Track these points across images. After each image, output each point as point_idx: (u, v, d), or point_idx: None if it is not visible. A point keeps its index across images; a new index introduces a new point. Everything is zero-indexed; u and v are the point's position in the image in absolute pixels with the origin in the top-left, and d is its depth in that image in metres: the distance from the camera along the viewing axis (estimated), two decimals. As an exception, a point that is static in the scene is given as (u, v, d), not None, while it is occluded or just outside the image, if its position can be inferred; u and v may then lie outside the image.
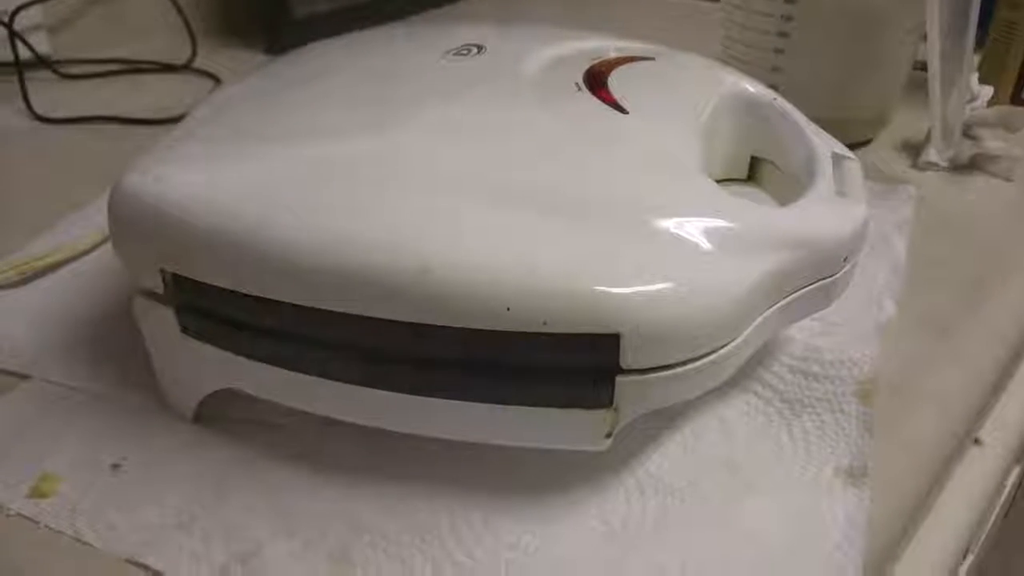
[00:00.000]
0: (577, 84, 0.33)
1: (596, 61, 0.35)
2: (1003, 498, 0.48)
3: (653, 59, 0.37)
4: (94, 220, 0.44)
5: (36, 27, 0.64)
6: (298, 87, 0.33)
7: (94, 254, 0.43)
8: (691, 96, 0.35)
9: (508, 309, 0.25)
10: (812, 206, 0.30)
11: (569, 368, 0.26)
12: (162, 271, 0.28)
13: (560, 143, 0.29)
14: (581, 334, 0.25)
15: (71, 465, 0.31)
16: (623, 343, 0.25)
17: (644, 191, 0.28)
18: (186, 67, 0.68)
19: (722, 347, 0.27)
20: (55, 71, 0.65)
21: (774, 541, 0.29)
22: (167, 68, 0.67)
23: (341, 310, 0.26)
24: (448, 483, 0.30)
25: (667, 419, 0.33)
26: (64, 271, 0.41)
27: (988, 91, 0.56)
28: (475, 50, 0.35)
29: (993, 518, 0.47)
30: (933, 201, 0.51)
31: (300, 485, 0.30)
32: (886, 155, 0.57)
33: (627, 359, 0.25)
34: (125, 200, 0.28)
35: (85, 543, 0.28)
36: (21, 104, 0.59)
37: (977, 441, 0.42)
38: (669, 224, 0.27)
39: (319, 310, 0.26)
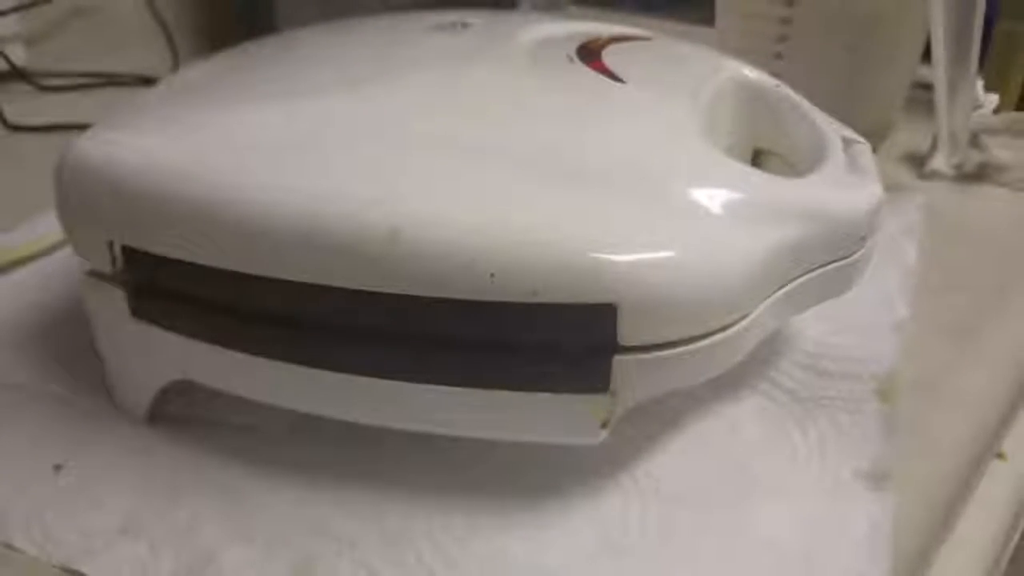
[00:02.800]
0: (569, 56, 0.30)
1: (589, 39, 0.33)
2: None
3: (649, 39, 0.35)
4: (51, 223, 0.42)
5: (13, 37, 0.62)
6: (268, 59, 0.31)
7: (56, 255, 0.40)
8: (692, 74, 0.32)
9: (492, 276, 0.22)
10: (824, 180, 0.28)
11: (561, 346, 0.23)
12: (111, 246, 0.26)
13: (551, 106, 0.27)
14: (574, 305, 0.22)
15: (7, 465, 0.27)
16: (620, 315, 0.22)
17: (644, 154, 0.25)
18: (167, 82, 0.66)
19: (731, 325, 0.24)
20: (31, 82, 0.63)
21: (790, 550, 0.26)
22: (147, 82, 0.65)
23: (304, 280, 0.23)
24: (425, 486, 0.27)
25: (670, 421, 0.30)
26: (23, 270, 0.39)
27: (994, 99, 0.55)
28: (460, 26, 0.33)
29: (1017, 538, 0.44)
30: (942, 209, 0.49)
31: (260, 489, 0.27)
32: (891, 165, 0.55)
33: (625, 334, 0.23)
34: (72, 166, 0.26)
35: (17, 550, 0.25)
36: (-7, 114, 0.57)
37: (1001, 456, 0.40)
38: (672, 188, 0.24)
39: (280, 281, 0.23)
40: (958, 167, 0.52)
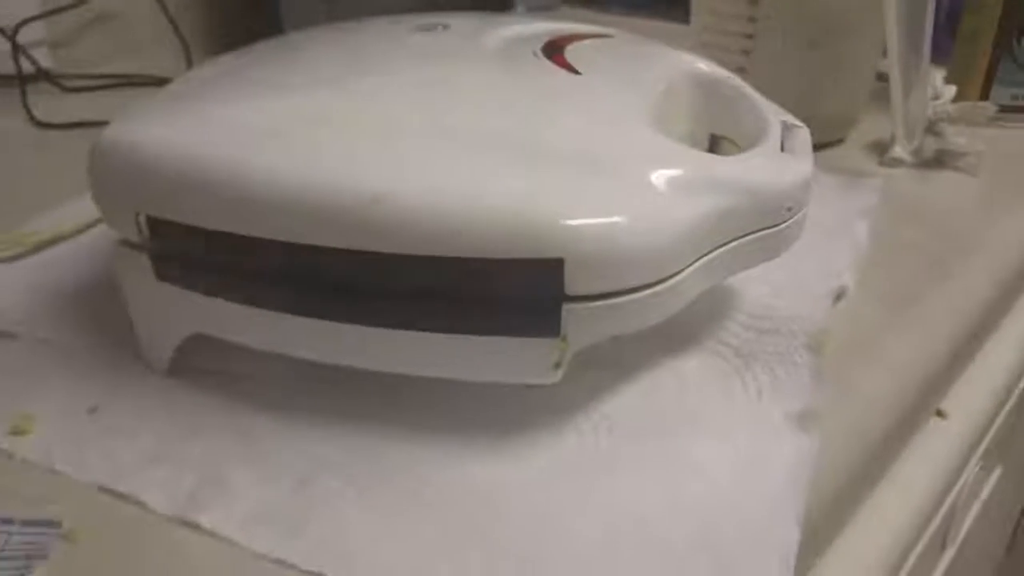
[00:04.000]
0: (535, 52, 0.35)
1: (555, 37, 0.37)
2: (970, 473, 0.49)
3: (612, 37, 0.39)
4: (84, 208, 0.46)
5: (39, 42, 0.67)
6: (269, 57, 0.35)
7: (84, 237, 0.45)
8: (646, 68, 0.36)
9: (456, 235, 0.26)
10: (755, 158, 0.32)
11: (517, 296, 0.27)
12: (137, 217, 0.30)
13: (512, 94, 0.31)
14: (527, 260, 0.26)
15: (49, 408, 0.32)
16: (567, 269, 0.27)
17: (590, 135, 0.29)
18: (182, 82, 0.70)
19: (664, 280, 0.28)
20: (56, 84, 0.67)
21: (722, 477, 0.30)
22: (163, 82, 0.69)
23: (301, 241, 0.27)
24: (407, 423, 0.31)
25: (624, 370, 0.34)
26: (54, 249, 0.43)
27: (951, 90, 0.58)
28: (440, 28, 0.37)
29: (956, 492, 0.48)
30: (899, 193, 0.53)
31: (266, 426, 0.31)
32: (856, 153, 0.59)
33: (572, 286, 0.27)
34: (104, 151, 0.30)
35: (59, 473, 0.29)
36: (22, 112, 0.61)
37: (940, 413, 0.43)
38: (614, 163, 0.29)
39: (281, 243, 0.27)
40: (916, 154, 0.56)
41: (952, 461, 0.44)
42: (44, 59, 0.68)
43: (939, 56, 0.56)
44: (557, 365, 0.28)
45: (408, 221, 0.26)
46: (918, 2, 0.51)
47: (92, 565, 0.26)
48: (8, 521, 0.27)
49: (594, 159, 0.28)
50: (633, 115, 0.31)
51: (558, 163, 0.28)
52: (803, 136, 0.36)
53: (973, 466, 0.49)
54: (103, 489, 0.29)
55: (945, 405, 0.44)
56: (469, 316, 0.28)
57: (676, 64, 0.38)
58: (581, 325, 0.28)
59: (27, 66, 0.65)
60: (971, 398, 0.46)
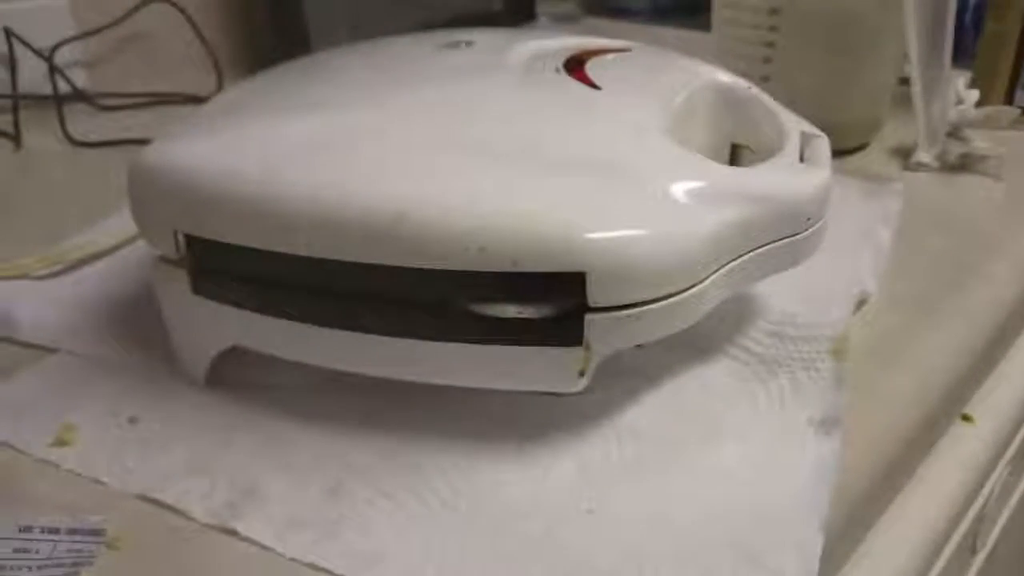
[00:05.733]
0: (556, 68, 0.35)
1: (576, 52, 0.38)
2: (998, 478, 0.49)
3: (631, 51, 0.39)
4: (120, 224, 0.47)
5: (75, 62, 0.69)
6: (300, 77, 0.36)
7: (121, 252, 0.46)
8: (665, 80, 0.37)
9: (481, 250, 0.27)
10: (774, 168, 0.32)
11: (541, 307, 0.28)
12: (175, 235, 0.31)
13: (535, 110, 0.32)
14: (550, 273, 0.27)
15: (91, 419, 0.33)
16: (589, 281, 0.27)
17: (610, 148, 0.30)
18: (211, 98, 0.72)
19: (685, 290, 0.29)
20: (91, 103, 0.69)
21: (746, 480, 0.30)
22: (195, 100, 0.71)
23: (331, 256, 0.28)
24: (435, 430, 0.32)
25: (648, 378, 0.35)
26: (92, 266, 0.45)
27: (975, 94, 0.58)
28: (464, 45, 0.38)
29: (985, 497, 0.48)
30: (923, 198, 0.53)
31: (298, 435, 0.32)
32: (879, 158, 0.59)
33: (594, 297, 0.28)
34: (142, 170, 0.31)
35: (103, 483, 0.30)
36: (58, 130, 0.63)
37: (966, 418, 0.43)
38: (634, 177, 0.29)
39: (310, 259, 0.28)
40: (940, 158, 0.56)
41: (979, 465, 0.44)
42: (79, 79, 0.70)
43: (963, 59, 0.56)
44: (581, 374, 0.29)
45: (432, 238, 0.27)
46: (939, 7, 0.51)
47: (136, 571, 0.27)
48: (55, 531, 0.28)
49: (615, 172, 0.29)
50: (653, 127, 0.32)
51: (579, 177, 0.29)
52: (822, 145, 0.36)
53: (1001, 470, 0.49)
54: (144, 498, 0.30)
55: (970, 410, 0.44)
56: (494, 327, 0.28)
57: (695, 75, 0.39)
58: (604, 335, 0.29)
59: (63, 86, 0.67)
60: (997, 402, 0.46)
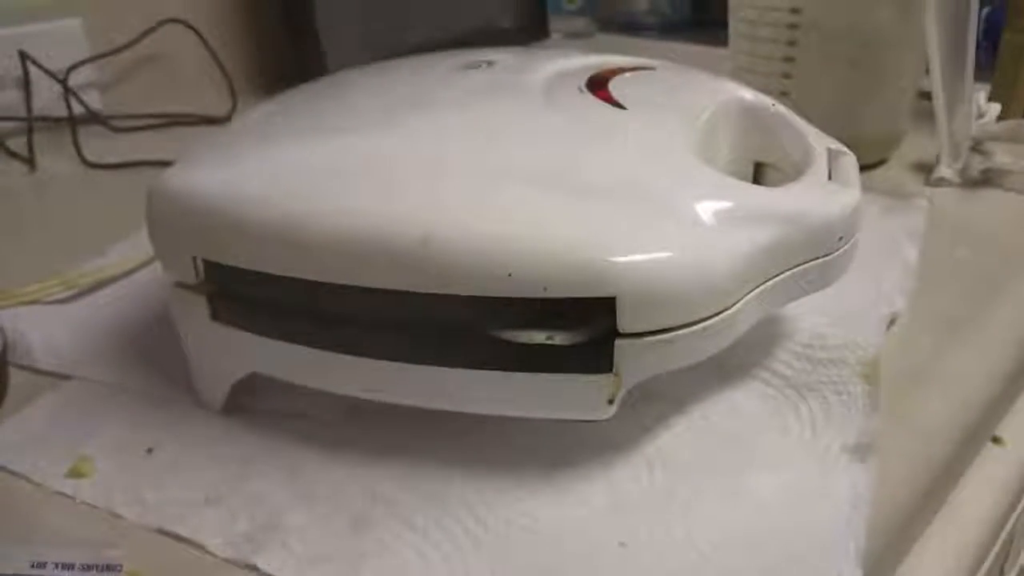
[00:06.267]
0: (579, 88, 0.35)
1: (598, 71, 0.37)
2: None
3: (654, 69, 0.39)
4: (135, 247, 0.47)
5: (89, 84, 0.69)
6: (319, 100, 0.36)
7: (136, 276, 0.45)
8: (689, 99, 0.36)
9: (509, 275, 0.26)
10: (803, 188, 0.32)
11: (571, 333, 0.27)
12: (194, 260, 0.30)
13: (560, 131, 0.31)
14: (579, 298, 0.26)
15: (107, 450, 0.32)
16: (620, 306, 0.27)
17: (637, 170, 0.29)
18: (226, 120, 0.72)
19: (717, 314, 0.28)
20: (106, 125, 0.69)
21: (779, 510, 0.29)
22: (209, 121, 0.71)
23: (355, 283, 0.27)
24: (461, 459, 0.31)
25: (676, 403, 0.34)
26: (106, 290, 0.44)
27: (996, 108, 0.58)
28: (485, 65, 0.37)
29: (1015, 519, 0.47)
30: (947, 213, 0.52)
31: (321, 465, 0.31)
32: (901, 173, 0.59)
33: (624, 323, 0.27)
34: (161, 196, 0.31)
35: (120, 516, 0.30)
36: (73, 153, 0.63)
37: (997, 440, 0.42)
38: (663, 199, 0.28)
39: (333, 285, 0.28)
40: (963, 173, 0.55)
41: (1011, 488, 0.43)
42: (94, 101, 0.69)
43: (978, 73, 0.55)
44: (611, 401, 0.28)
45: (459, 263, 0.26)
46: (960, 20, 0.51)
47: (154, 608, 0.26)
48: (69, 566, 0.27)
49: (643, 195, 0.28)
50: (679, 147, 0.31)
51: (607, 200, 0.28)
52: (850, 163, 0.36)
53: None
54: (161, 531, 0.29)
55: (1001, 430, 0.43)
56: (522, 354, 0.28)
57: (719, 93, 0.38)
58: (635, 361, 0.28)
59: (77, 108, 0.67)
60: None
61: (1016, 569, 0.54)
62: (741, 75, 0.58)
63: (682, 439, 0.32)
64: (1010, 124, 0.56)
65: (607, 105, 0.33)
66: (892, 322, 0.40)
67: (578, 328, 0.27)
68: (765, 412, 0.34)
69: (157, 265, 0.34)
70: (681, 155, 0.31)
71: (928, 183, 0.56)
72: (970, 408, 0.37)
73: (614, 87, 0.35)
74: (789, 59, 0.55)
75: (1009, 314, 0.43)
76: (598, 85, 0.35)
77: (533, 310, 0.27)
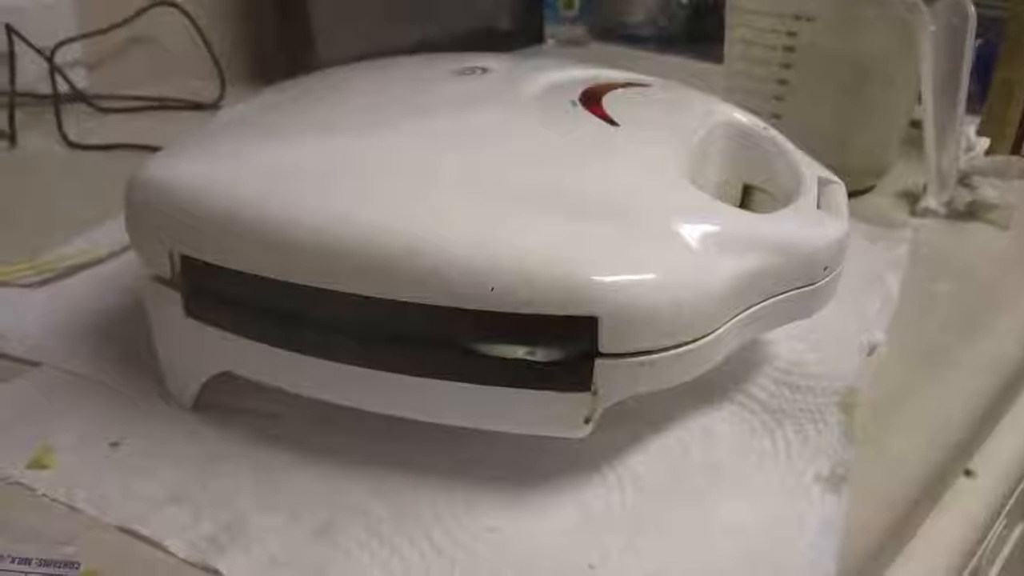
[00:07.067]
0: (572, 102, 0.34)
1: (592, 85, 0.37)
2: (994, 532, 0.48)
3: (649, 86, 0.39)
4: (113, 233, 0.46)
5: (76, 63, 0.68)
6: (309, 97, 0.35)
7: (113, 263, 0.45)
8: (682, 118, 0.36)
9: (492, 289, 0.26)
10: (792, 216, 0.32)
11: (550, 351, 0.27)
12: (171, 255, 0.30)
13: (550, 147, 0.31)
14: (561, 316, 0.26)
15: (71, 442, 0.32)
16: (601, 327, 0.26)
17: (628, 190, 0.29)
18: (214, 106, 0.71)
19: (699, 338, 0.28)
20: (91, 104, 0.68)
21: (750, 539, 0.29)
22: (197, 106, 0.70)
23: (335, 288, 0.27)
24: (432, 470, 0.31)
25: (652, 424, 0.34)
26: (81, 275, 0.43)
27: (984, 142, 0.58)
28: (480, 71, 0.37)
29: (982, 551, 0.47)
30: (930, 245, 0.52)
31: (290, 469, 0.31)
32: (886, 202, 0.59)
33: (605, 343, 0.27)
34: (140, 187, 0.30)
35: (79, 511, 0.29)
36: (55, 131, 0.62)
37: (968, 473, 0.43)
38: (650, 220, 0.28)
39: (312, 288, 0.27)
40: (948, 205, 0.56)
41: (980, 521, 0.43)
42: (80, 80, 0.68)
43: (967, 105, 0.55)
44: (588, 420, 0.28)
45: (441, 274, 0.26)
46: (955, 54, 0.51)
47: (110, 609, 0.26)
48: (25, 561, 0.26)
49: (631, 215, 0.28)
50: (670, 168, 0.31)
51: (595, 218, 0.28)
52: (839, 192, 0.36)
53: (999, 524, 0.48)
54: (122, 529, 0.28)
55: (974, 463, 0.43)
56: (501, 369, 0.27)
57: (713, 114, 0.38)
58: (613, 381, 0.27)
59: (63, 86, 0.66)
60: (1000, 456, 0.45)
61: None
62: (734, 94, 0.58)
63: (656, 461, 0.32)
64: (998, 159, 0.57)
65: (600, 121, 0.33)
66: (871, 352, 0.40)
67: (558, 346, 0.27)
68: (741, 437, 0.33)
69: (133, 253, 0.33)
70: (671, 176, 0.31)
71: (913, 213, 0.56)
72: (944, 441, 0.37)
73: (608, 103, 0.35)
74: (783, 82, 0.55)
75: (987, 349, 0.43)
76: (592, 100, 0.35)
77: (513, 325, 0.26)
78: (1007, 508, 0.50)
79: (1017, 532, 0.62)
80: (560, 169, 0.29)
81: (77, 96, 0.67)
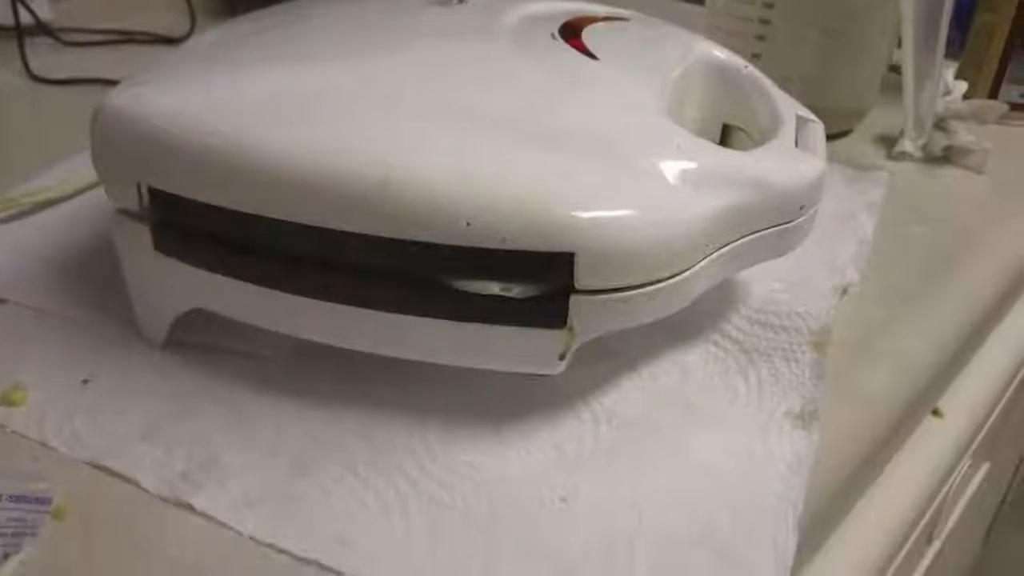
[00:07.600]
0: (552, 35, 0.34)
1: (572, 19, 0.36)
2: (960, 470, 0.49)
3: (628, 20, 0.38)
4: (81, 168, 0.45)
5: (39, -8, 0.65)
6: (279, 26, 0.34)
7: (80, 199, 0.44)
8: (662, 54, 0.36)
9: (468, 224, 0.25)
10: (770, 154, 0.31)
11: (526, 287, 0.27)
12: (139, 187, 0.29)
13: (529, 79, 0.30)
14: (538, 252, 0.26)
15: (42, 379, 0.31)
16: (577, 262, 0.26)
17: (607, 124, 0.29)
18: (183, 40, 0.69)
19: (675, 275, 0.28)
20: (55, 37, 0.66)
21: (722, 471, 0.30)
22: (165, 40, 0.68)
23: (305, 222, 0.27)
24: (408, 408, 0.31)
25: (626, 360, 0.34)
26: (49, 211, 0.42)
27: (963, 86, 0.58)
28: (456, 1, 0.36)
29: (947, 489, 0.48)
30: (906, 188, 0.52)
31: (264, 406, 0.31)
32: (864, 146, 0.59)
33: (581, 279, 0.26)
34: (107, 116, 0.29)
35: (51, 448, 0.29)
36: (19, 65, 0.60)
37: (936, 412, 0.43)
38: (628, 155, 0.28)
39: (284, 222, 0.27)
40: (925, 149, 0.56)
41: (946, 459, 0.44)
42: (43, 11, 0.66)
43: (947, 50, 0.55)
44: (562, 356, 0.28)
45: (416, 206, 0.26)
46: (936, -4, 0.50)
47: (82, 545, 0.26)
48: (-3, 496, 0.26)
49: (609, 150, 0.28)
50: (650, 104, 0.31)
51: (572, 153, 0.27)
52: (818, 131, 0.35)
53: (964, 463, 0.50)
54: (94, 465, 0.28)
55: (943, 403, 0.44)
56: (475, 305, 0.27)
57: (693, 50, 0.38)
58: (589, 318, 0.27)
59: (26, 17, 0.64)
60: (968, 397, 0.46)
61: (942, 537, 0.56)
62: (715, 33, 0.57)
63: (630, 398, 0.32)
64: (976, 103, 0.56)
65: (579, 54, 0.32)
66: (844, 292, 0.40)
67: (534, 282, 0.27)
68: (714, 374, 0.34)
69: (102, 189, 0.32)
70: (651, 112, 0.30)
71: (890, 157, 0.56)
72: (914, 381, 0.38)
73: (587, 36, 0.34)
74: (765, 21, 0.54)
75: (958, 291, 0.43)
76: (571, 33, 0.34)
77: (489, 261, 0.26)
78: (973, 447, 0.51)
79: (982, 471, 0.63)
80: (539, 102, 0.29)
81: (41, 28, 0.65)
